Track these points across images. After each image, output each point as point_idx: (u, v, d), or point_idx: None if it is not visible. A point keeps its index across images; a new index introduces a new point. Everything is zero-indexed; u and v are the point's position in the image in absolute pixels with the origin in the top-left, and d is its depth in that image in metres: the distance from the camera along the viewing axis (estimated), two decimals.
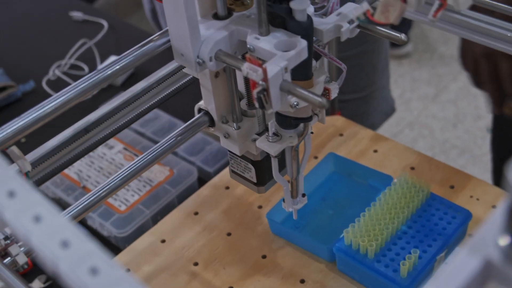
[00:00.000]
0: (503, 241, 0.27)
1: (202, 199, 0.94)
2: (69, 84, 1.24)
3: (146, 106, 0.70)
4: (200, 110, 0.68)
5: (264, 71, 0.50)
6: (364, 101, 1.34)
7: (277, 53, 0.53)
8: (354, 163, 0.93)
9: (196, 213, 0.91)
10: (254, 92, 0.51)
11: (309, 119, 0.62)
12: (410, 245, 0.79)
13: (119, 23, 1.39)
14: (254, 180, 0.71)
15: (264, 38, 0.55)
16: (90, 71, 1.26)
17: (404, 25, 2.40)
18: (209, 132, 1.08)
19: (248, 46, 0.56)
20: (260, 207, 0.91)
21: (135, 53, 0.61)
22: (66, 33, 1.38)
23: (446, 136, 2.21)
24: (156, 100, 0.70)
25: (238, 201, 0.92)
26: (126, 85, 1.21)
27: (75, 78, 1.25)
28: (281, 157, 0.68)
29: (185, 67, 0.63)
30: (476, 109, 2.27)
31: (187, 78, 0.72)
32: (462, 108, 2.29)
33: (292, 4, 0.54)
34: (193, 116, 1.13)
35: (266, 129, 0.66)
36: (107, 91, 1.18)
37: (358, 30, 0.59)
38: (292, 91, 0.51)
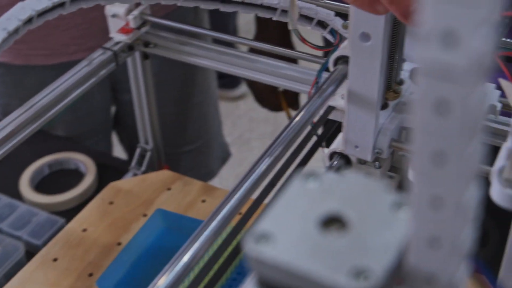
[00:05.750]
0: None
1: (30, 274, 0.89)
2: None
3: None
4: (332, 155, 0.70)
5: None
6: (198, 152, 1.36)
7: None
8: (182, 216, 0.93)
9: None
10: None
11: None
12: None
13: None
14: None
15: None
16: None
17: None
18: (36, 203, 1.04)
19: None
20: (91, 274, 0.88)
21: None
22: None
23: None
24: None
25: (66, 272, 0.88)
26: None
27: None
28: None
29: None
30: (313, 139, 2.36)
31: None
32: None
33: None
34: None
35: None
36: None
37: None
38: None
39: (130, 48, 0.94)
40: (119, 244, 0.92)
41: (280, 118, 2.48)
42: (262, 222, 0.26)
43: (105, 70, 0.91)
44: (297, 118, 0.59)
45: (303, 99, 1.25)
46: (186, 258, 0.46)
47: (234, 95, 2.54)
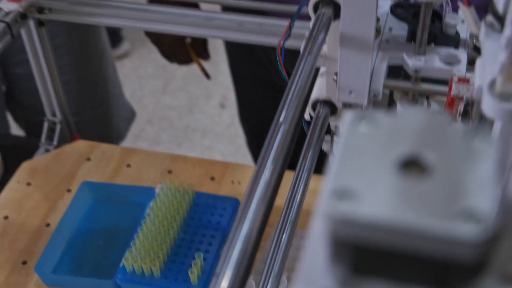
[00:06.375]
0: (335, 271, 0.25)
1: None
2: None
3: None
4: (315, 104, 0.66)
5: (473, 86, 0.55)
6: (105, 115, 1.31)
7: (446, 68, 0.59)
8: (111, 185, 0.89)
9: None
10: (460, 107, 0.55)
11: None
12: (191, 250, 0.77)
13: None
14: None
15: (425, 58, 0.60)
16: None
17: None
18: None
19: (412, 68, 0.59)
20: (25, 262, 0.82)
21: None
22: None
23: (186, 123, 2.25)
24: None
25: None
26: None
27: None
28: None
29: None
30: (206, 89, 2.34)
31: None
32: (193, 92, 2.34)
33: (447, 19, 0.61)
34: None
35: None
36: None
37: None
38: None
39: (23, 16, 0.87)
40: (48, 225, 0.86)
41: (169, 71, 2.43)
42: (336, 178, 0.23)
43: (1, 44, 0.84)
44: (298, 73, 0.54)
45: (211, 46, 1.22)
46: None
47: (118, 54, 2.45)
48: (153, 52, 2.54)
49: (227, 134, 2.21)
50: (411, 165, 0.24)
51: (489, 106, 0.42)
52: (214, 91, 2.32)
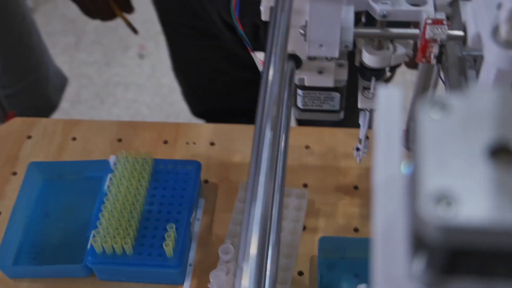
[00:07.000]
0: (424, 274, 0.23)
1: None
2: None
3: None
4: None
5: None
6: (34, 86, 1.23)
7: (414, 9, 0.57)
8: (61, 163, 0.84)
9: None
10: (435, 50, 0.54)
11: None
12: (161, 222, 0.74)
13: None
14: (337, 107, 0.69)
15: (391, 1, 0.57)
16: None
17: None
18: None
19: (379, 13, 0.57)
20: None
21: None
22: None
23: (105, 78, 2.16)
24: None
25: None
26: None
27: None
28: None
29: None
30: (121, 41, 2.25)
31: None
32: (108, 45, 2.25)
33: None
34: None
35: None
36: None
37: None
38: None
39: None
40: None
41: (79, 26, 2.31)
42: (428, 178, 0.21)
43: None
44: (275, 31, 0.50)
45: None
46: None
47: None
48: (59, 7, 2.41)
49: (150, 85, 2.14)
50: (501, 152, 0.22)
51: (493, 54, 0.40)
52: (130, 42, 2.24)
